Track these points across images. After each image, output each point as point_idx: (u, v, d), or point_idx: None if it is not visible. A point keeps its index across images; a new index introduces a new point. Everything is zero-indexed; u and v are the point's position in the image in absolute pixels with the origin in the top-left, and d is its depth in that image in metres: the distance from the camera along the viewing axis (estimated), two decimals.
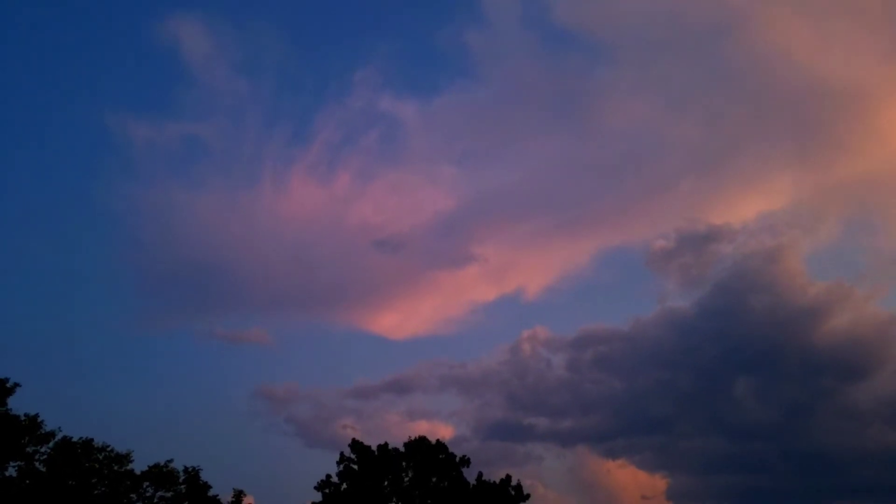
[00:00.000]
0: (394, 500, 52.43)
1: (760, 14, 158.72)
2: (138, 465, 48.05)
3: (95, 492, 45.59)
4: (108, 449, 47.09)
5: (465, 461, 54.36)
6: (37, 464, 43.95)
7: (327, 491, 53.19)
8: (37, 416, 44.52)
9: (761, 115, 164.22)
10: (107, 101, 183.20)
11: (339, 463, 54.16)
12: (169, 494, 48.21)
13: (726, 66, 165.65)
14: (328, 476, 53.81)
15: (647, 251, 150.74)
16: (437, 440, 54.89)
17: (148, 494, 47.86)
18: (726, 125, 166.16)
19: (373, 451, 54.13)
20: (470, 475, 54.08)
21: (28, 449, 43.72)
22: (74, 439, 45.85)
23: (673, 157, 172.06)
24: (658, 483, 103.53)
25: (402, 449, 54.31)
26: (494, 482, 53.99)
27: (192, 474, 49.24)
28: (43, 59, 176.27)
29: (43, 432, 44.46)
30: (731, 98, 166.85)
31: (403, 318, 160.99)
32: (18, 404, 43.92)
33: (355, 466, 53.74)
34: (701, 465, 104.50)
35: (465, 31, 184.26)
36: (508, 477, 54.42)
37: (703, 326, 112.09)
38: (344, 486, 53.26)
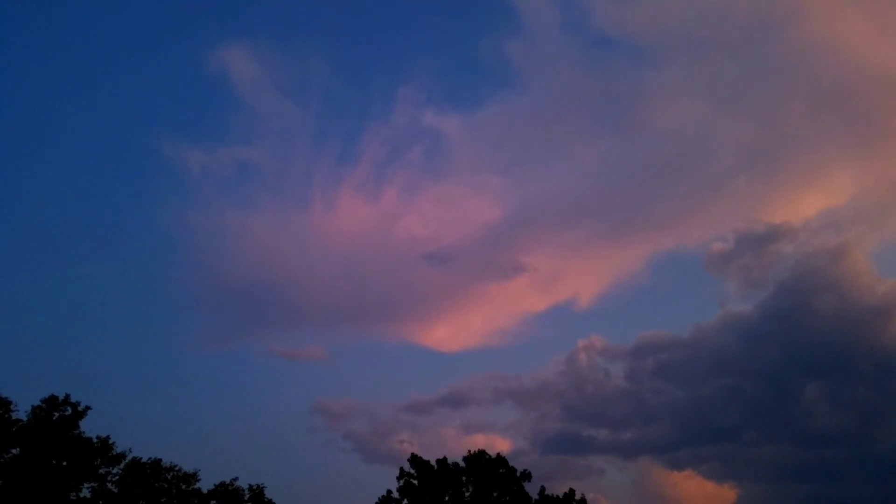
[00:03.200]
0: None
1: (810, 6, 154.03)
2: (204, 484, 49.20)
3: None
4: (176, 468, 48.36)
5: (527, 475, 53.55)
6: (109, 485, 45.26)
7: None
8: (108, 437, 45.98)
9: (816, 109, 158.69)
10: (163, 128, 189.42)
11: (398, 478, 54.09)
12: None
13: (777, 61, 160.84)
14: (388, 491, 53.80)
15: (705, 254, 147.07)
16: (497, 454, 54.33)
17: None
18: (780, 121, 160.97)
19: (432, 466, 53.86)
20: (531, 490, 53.33)
21: (101, 470, 45.13)
22: (144, 460, 47.16)
23: (726, 157, 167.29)
24: (727, 493, 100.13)
25: (461, 463, 53.94)
26: (557, 496, 53.08)
27: (257, 492, 50.06)
28: (104, 90, 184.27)
29: (114, 454, 45.84)
30: (784, 93, 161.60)
31: (454, 331, 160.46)
32: (88, 426, 45.47)
33: (415, 482, 53.56)
34: (771, 473, 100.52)
35: (505, 42, 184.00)
36: (572, 491, 53.44)
37: (767, 330, 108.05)
38: (405, 501, 53.10)
